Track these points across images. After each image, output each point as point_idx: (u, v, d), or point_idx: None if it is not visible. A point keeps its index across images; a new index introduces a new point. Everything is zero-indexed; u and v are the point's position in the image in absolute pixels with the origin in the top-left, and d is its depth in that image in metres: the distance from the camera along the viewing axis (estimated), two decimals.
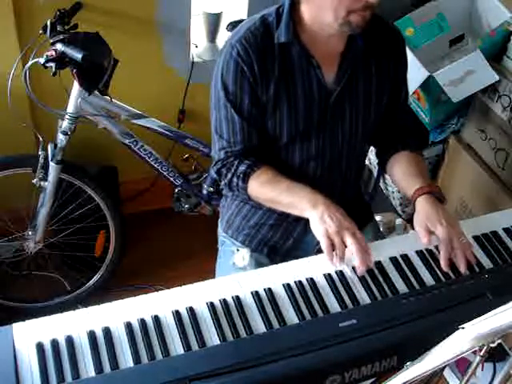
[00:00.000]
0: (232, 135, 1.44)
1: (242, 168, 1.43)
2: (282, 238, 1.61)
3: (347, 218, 1.32)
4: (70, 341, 1.11)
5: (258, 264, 1.59)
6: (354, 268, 1.31)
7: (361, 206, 1.73)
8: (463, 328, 0.82)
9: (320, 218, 1.30)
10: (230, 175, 1.45)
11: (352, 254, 1.27)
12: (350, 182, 1.62)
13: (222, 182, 1.50)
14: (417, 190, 1.43)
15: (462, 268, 1.32)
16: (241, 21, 2.26)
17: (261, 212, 1.59)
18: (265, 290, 1.24)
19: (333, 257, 1.29)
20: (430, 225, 1.36)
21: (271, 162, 1.46)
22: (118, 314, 1.16)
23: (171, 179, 2.35)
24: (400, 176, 1.53)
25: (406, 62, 1.57)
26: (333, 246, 1.28)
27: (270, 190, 1.42)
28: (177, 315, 1.17)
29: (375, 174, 2.45)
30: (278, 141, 1.46)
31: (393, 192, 2.42)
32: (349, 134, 1.49)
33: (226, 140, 1.45)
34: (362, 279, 1.29)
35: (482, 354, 0.82)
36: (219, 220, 1.74)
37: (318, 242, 1.31)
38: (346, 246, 1.28)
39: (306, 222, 1.35)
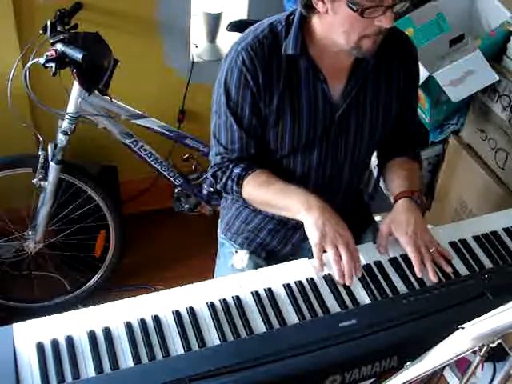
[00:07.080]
0: (230, 143, 1.42)
1: (237, 171, 1.41)
2: (280, 244, 1.61)
3: (342, 223, 1.29)
4: (69, 341, 1.11)
5: (256, 266, 1.58)
6: None
7: (361, 210, 1.72)
8: (463, 328, 0.82)
9: (315, 223, 1.27)
10: (224, 178, 1.43)
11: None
12: (352, 191, 1.61)
13: (218, 186, 1.48)
14: (399, 193, 1.43)
15: (431, 276, 1.29)
16: (241, 21, 2.30)
17: (260, 216, 1.58)
18: (265, 289, 1.24)
19: (323, 267, 1.27)
20: (395, 230, 1.35)
21: (272, 171, 1.44)
22: (118, 314, 1.16)
23: (171, 179, 2.35)
24: (389, 178, 1.54)
25: (418, 71, 1.53)
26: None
27: (263, 193, 1.40)
28: (177, 315, 1.17)
29: (375, 174, 2.45)
30: (278, 152, 1.44)
31: None
32: (352, 146, 1.47)
33: (224, 146, 1.43)
34: (362, 279, 1.28)
35: (482, 354, 0.82)
36: (219, 221, 1.73)
37: None
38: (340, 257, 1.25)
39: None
